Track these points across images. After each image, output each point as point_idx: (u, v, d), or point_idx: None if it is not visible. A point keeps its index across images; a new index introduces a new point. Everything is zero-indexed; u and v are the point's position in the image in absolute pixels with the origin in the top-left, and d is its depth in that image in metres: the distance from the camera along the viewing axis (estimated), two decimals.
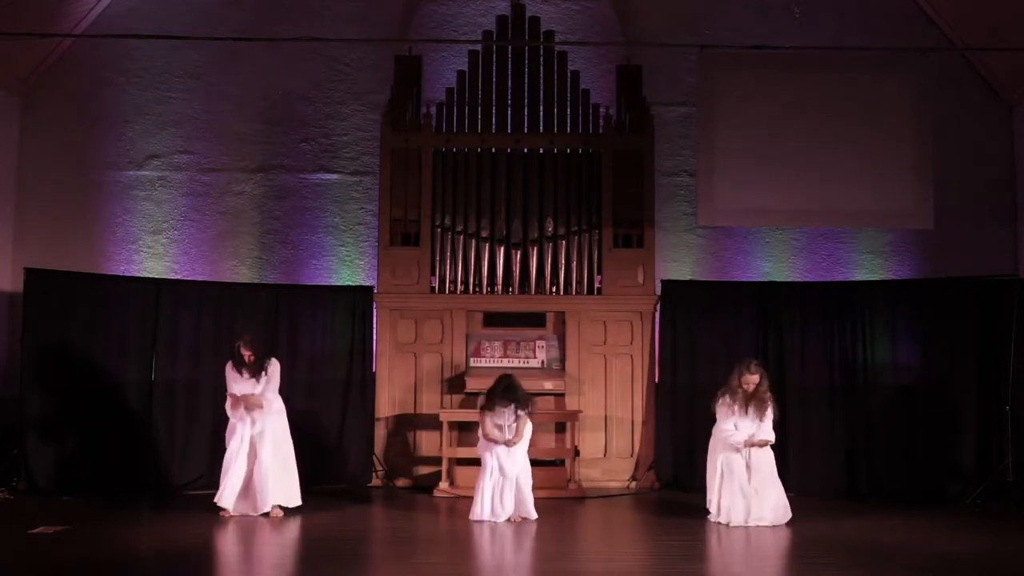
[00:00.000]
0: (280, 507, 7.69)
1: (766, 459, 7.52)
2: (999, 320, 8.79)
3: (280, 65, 10.26)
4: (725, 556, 6.66)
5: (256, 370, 7.76)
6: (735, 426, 7.51)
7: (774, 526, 7.38)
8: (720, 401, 7.62)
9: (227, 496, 7.60)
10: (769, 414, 7.56)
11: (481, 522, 7.51)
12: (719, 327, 9.42)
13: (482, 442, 7.82)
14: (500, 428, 7.75)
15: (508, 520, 7.56)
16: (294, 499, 7.77)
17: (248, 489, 7.63)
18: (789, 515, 7.48)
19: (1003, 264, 9.70)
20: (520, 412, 7.80)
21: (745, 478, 7.45)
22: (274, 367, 7.84)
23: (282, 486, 7.70)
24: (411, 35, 10.27)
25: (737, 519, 7.40)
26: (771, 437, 7.54)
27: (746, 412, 7.51)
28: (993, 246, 9.94)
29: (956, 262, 9.69)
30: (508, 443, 7.70)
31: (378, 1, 10.41)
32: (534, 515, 7.61)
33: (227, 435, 7.78)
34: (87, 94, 10.24)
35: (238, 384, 7.75)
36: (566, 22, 10.42)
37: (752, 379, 7.57)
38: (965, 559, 6.39)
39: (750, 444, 7.45)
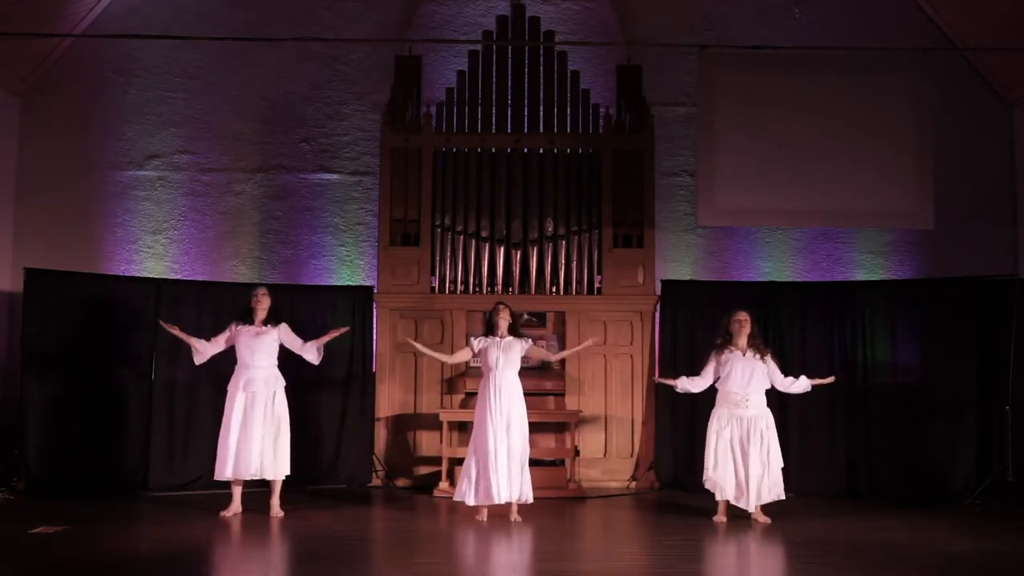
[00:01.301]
0: (280, 508, 7.70)
1: (756, 443, 7.51)
2: (999, 320, 8.79)
3: (280, 65, 10.26)
4: (725, 556, 6.66)
5: (268, 322, 7.82)
6: (740, 372, 7.54)
7: (767, 503, 7.48)
8: (713, 357, 7.70)
9: (223, 466, 7.61)
10: (769, 353, 7.67)
11: (463, 503, 7.47)
12: (718, 327, 9.39)
13: (476, 419, 7.64)
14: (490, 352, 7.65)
15: (507, 505, 7.47)
16: (286, 469, 7.77)
17: (242, 454, 7.62)
18: (781, 494, 7.54)
19: (1003, 264, 9.70)
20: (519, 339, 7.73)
21: (740, 458, 7.50)
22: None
23: (281, 458, 7.73)
24: (411, 35, 10.27)
25: (728, 495, 7.50)
26: (806, 383, 7.67)
27: (744, 353, 7.60)
28: (993, 246, 9.94)
29: (956, 262, 9.69)
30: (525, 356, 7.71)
31: (378, 1, 10.42)
32: (531, 497, 7.54)
33: (226, 404, 7.74)
34: (87, 94, 10.24)
35: (245, 338, 7.76)
36: (566, 22, 10.43)
37: (742, 315, 7.67)
38: (965, 559, 6.39)
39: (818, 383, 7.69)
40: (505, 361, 7.63)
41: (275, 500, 7.74)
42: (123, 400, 8.87)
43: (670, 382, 7.92)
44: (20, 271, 9.03)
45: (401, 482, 9.38)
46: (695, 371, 9.11)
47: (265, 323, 7.87)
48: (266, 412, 7.71)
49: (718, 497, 7.61)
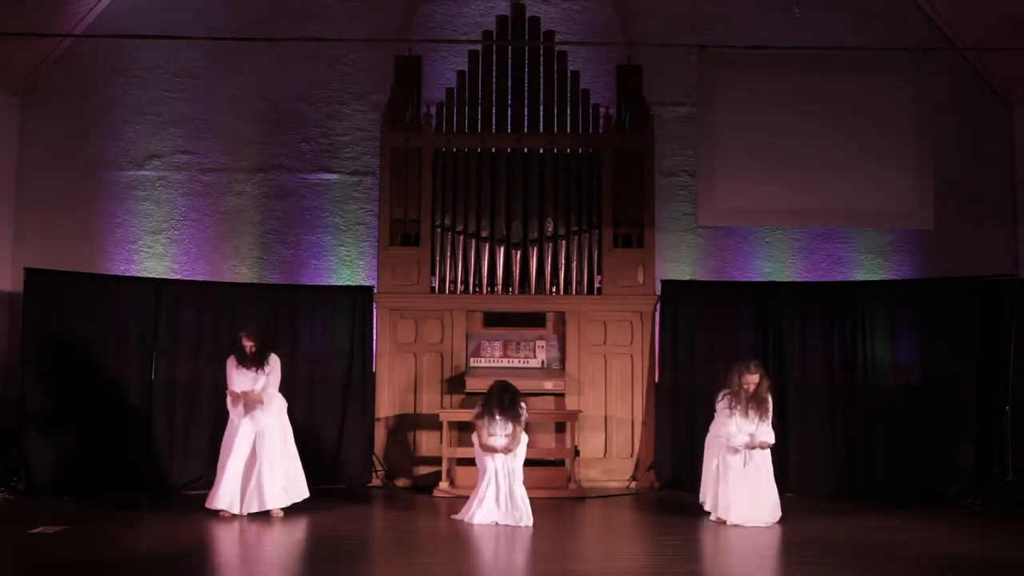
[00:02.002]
0: (281, 509, 7.70)
1: (764, 460, 7.54)
2: (999, 320, 8.79)
3: (280, 65, 10.26)
4: (724, 556, 6.66)
5: (258, 362, 7.77)
6: (737, 427, 7.52)
7: (768, 526, 7.41)
8: (722, 402, 7.64)
9: (222, 497, 7.58)
10: (769, 415, 7.59)
11: (463, 522, 7.54)
12: (719, 327, 9.42)
13: (479, 450, 7.84)
14: (494, 436, 7.76)
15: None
16: (302, 492, 7.79)
17: (247, 488, 7.62)
18: (779, 514, 7.52)
19: (1003, 264, 9.70)
20: (515, 421, 7.80)
21: (745, 479, 7.46)
22: (275, 362, 7.87)
23: (282, 486, 7.69)
24: (411, 35, 10.26)
25: (736, 518, 7.42)
26: (771, 439, 7.57)
27: (746, 414, 7.54)
28: (993, 246, 9.94)
29: (956, 262, 9.69)
30: (506, 450, 7.72)
31: (378, 1, 10.41)
32: (531, 521, 7.56)
33: (226, 433, 7.77)
34: (87, 94, 10.23)
35: (239, 378, 7.75)
36: (566, 22, 10.42)
37: (752, 379, 7.59)
38: (965, 559, 6.39)
39: (752, 447, 7.46)
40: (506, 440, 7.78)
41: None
42: (123, 400, 8.87)
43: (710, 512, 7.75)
44: (20, 271, 9.04)
45: (401, 482, 9.38)
46: (694, 370, 9.20)
47: (256, 363, 7.78)
48: (277, 439, 7.71)
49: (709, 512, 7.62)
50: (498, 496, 7.61)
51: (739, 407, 7.53)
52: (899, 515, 7.96)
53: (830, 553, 6.45)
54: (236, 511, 7.58)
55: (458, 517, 7.67)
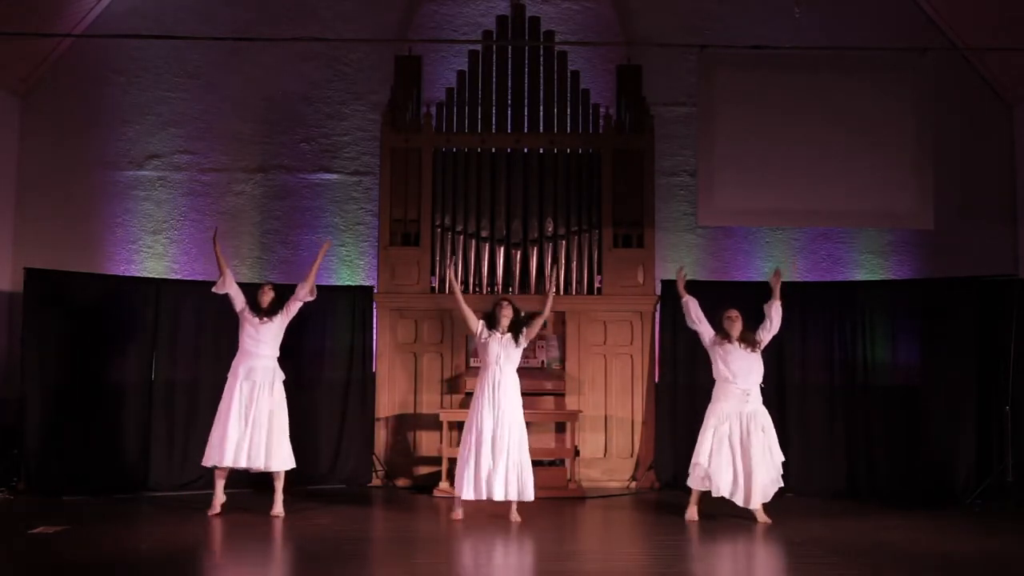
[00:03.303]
0: (282, 507, 7.70)
1: (758, 439, 7.54)
2: (999, 320, 8.79)
3: (280, 65, 10.26)
4: (724, 556, 6.66)
5: (274, 310, 7.89)
6: (740, 364, 7.64)
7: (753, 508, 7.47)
8: (714, 342, 7.79)
9: (220, 453, 7.57)
10: (758, 342, 7.76)
11: (470, 501, 7.44)
12: (719, 327, 9.39)
13: (472, 410, 7.63)
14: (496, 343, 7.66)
15: (507, 504, 7.48)
16: (291, 462, 7.80)
17: (246, 446, 7.62)
18: (779, 484, 7.56)
19: (1003, 264, 9.70)
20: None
21: (740, 454, 7.51)
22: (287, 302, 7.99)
23: (284, 449, 7.74)
24: (411, 35, 10.27)
25: (722, 491, 7.50)
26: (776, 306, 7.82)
27: (740, 347, 7.70)
28: (993, 246, 9.94)
29: (956, 262, 9.69)
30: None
31: (378, 1, 10.42)
32: (532, 496, 7.51)
33: (226, 391, 7.76)
34: (87, 94, 10.24)
35: (259, 330, 7.82)
36: (566, 22, 10.43)
37: (733, 312, 7.79)
38: (965, 559, 6.39)
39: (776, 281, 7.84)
40: (506, 358, 7.65)
41: (278, 497, 7.73)
42: (123, 400, 8.87)
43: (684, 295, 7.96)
44: (20, 271, 9.03)
45: (401, 482, 9.38)
46: (694, 370, 9.18)
47: (270, 315, 7.91)
48: (266, 402, 7.72)
49: (697, 488, 7.62)
50: (496, 465, 7.42)
51: (731, 344, 7.71)
52: (899, 515, 7.96)
53: (830, 553, 6.45)
54: (232, 466, 7.61)
55: (466, 497, 7.48)
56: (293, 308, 8.01)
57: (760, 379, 7.72)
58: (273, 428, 7.71)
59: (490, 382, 7.60)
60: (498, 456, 7.46)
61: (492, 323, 7.76)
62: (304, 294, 8.02)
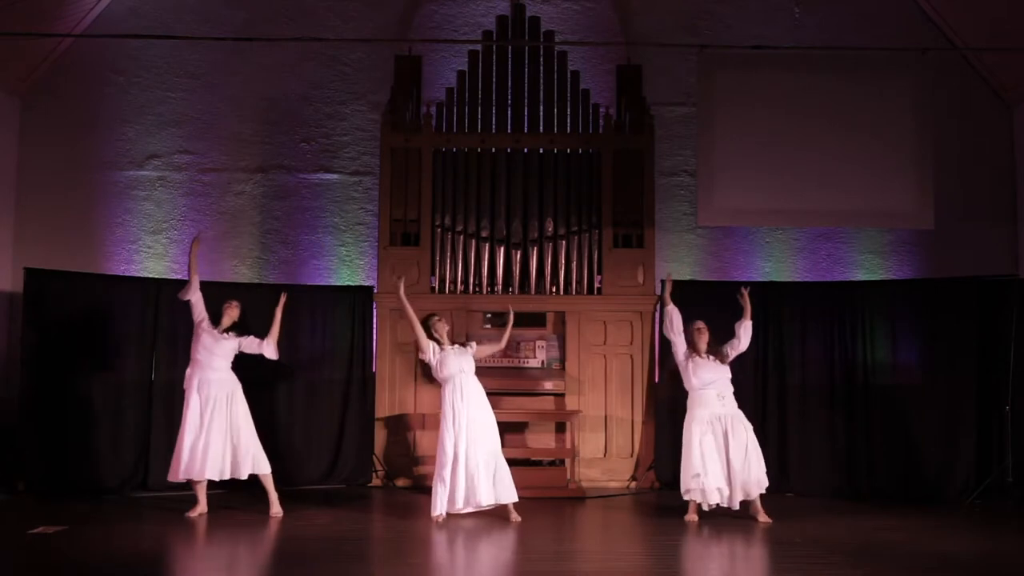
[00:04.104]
0: (280, 507, 7.70)
1: (740, 437, 7.55)
2: (999, 320, 8.79)
3: (280, 65, 10.26)
4: (724, 557, 6.66)
5: (233, 329, 7.86)
6: (709, 373, 7.69)
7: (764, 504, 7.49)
8: (683, 361, 7.83)
9: (200, 466, 7.55)
10: (725, 354, 7.80)
11: (443, 516, 7.42)
12: (719, 327, 9.38)
13: (443, 426, 7.63)
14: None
15: (503, 506, 7.46)
16: (265, 465, 7.76)
17: (229, 458, 7.63)
18: (765, 485, 7.54)
19: (1003, 264, 9.71)
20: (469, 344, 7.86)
21: (723, 455, 7.51)
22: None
23: (260, 452, 7.74)
24: (411, 35, 10.27)
25: (716, 500, 7.49)
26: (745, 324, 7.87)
27: (707, 359, 7.75)
28: (993, 246, 9.95)
29: (956, 262, 9.69)
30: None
31: (378, 1, 10.42)
32: (515, 496, 7.47)
33: (187, 406, 7.71)
34: (87, 94, 10.24)
35: (215, 344, 7.74)
36: (566, 22, 10.43)
37: (699, 324, 7.87)
38: (965, 559, 6.39)
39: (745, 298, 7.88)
40: (467, 366, 7.71)
41: (273, 497, 7.73)
42: (123, 400, 8.87)
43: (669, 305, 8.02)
44: (20, 271, 9.03)
45: (401, 482, 9.38)
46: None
47: (227, 331, 7.87)
48: (225, 414, 7.71)
49: (697, 500, 7.60)
50: (474, 479, 7.41)
51: (698, 356, 7.77)
52: (899, 515, 7.95)
53: (830, 553, 6.45)
54: (199, 479, 7.60)
55: (437, 513, 7.46)
56: (247, 348, 7.92)
57: (730, 383, 7.74)
58: (242, 436, 7.69)
59: (458, 394, 7.61)
60: (473, 463, 7.46)
61: (437, 341, 7.80)
62: (269, 351, 7.94)
